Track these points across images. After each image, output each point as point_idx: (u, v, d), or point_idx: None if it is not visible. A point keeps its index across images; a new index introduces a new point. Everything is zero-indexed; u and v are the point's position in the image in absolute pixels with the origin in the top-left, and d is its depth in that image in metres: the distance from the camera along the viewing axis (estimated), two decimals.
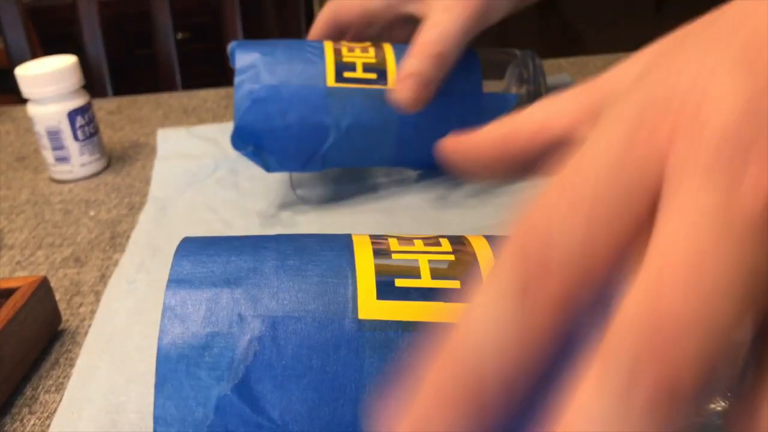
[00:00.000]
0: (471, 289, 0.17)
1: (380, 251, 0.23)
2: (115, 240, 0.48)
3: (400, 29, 0.54)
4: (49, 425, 0.32)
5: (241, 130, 0.44)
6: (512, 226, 0.17)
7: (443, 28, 0.45)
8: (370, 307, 0.22)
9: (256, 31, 1.17)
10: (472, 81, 0.47)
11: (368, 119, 0.45)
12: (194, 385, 0.21)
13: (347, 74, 0.45)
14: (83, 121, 0.58)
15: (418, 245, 0.24)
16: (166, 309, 0.22)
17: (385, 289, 0.22)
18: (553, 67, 0.72)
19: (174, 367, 0.21)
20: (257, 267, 0.23)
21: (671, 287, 0.14)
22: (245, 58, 0.45)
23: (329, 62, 0.45)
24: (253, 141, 0.44)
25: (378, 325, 0.21)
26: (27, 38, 1.02)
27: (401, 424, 0.16)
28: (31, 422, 0.33)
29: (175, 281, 0.22)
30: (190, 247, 0.24)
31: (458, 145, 0.25)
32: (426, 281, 0.23)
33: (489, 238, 0.25)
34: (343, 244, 0.24)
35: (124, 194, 0.55)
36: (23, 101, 0.59)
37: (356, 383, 0.21)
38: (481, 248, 0.24)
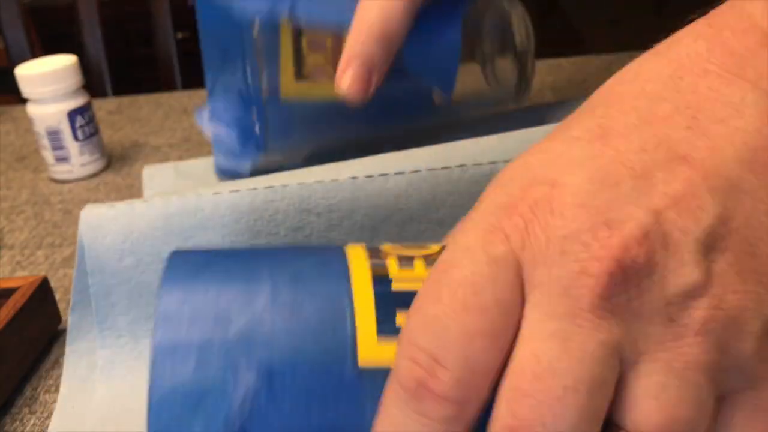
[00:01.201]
0: None
1: (380, 278, 0.22)
2: None
3: None
4: (49, 425, 0.32)
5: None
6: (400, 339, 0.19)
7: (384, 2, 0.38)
8: (371, 350, 0.20)
9: None
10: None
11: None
12: None
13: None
14: (83, 121, 0.58)
15: (418, 268, 0.22)
16: (154, 358, 0.20)
17: (387, 327, 0.21)
18: (553, 67, 0.72)
19: (166, 425, 0.20)
20: (250, 302, 0.21)
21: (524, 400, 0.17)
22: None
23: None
24: None
25: (380, 374, 0.20)
26: (27, 38, 1.02)
27: None
28: (31, 422, 0.33)
29: (164, 322, 0.21)
30: (177, 275, 0.22)
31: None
32: None
33: None
34: (339, 268, 0.22)
35: (124, 194, 0.55)
36: (23, 101, 0.59)
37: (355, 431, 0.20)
38: None
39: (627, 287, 0.18)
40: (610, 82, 0.22)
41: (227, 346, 0.20)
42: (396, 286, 0.21)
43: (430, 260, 0.22)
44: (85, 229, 0.34)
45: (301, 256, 0.23)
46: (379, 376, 0.20)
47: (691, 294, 0.18)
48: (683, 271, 0.18)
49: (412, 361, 0.18)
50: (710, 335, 0.18)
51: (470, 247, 0.19)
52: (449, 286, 0.19)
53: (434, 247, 0.23)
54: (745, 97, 0.19)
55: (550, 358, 0.17)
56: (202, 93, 0.75)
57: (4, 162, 0.65)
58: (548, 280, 0.18)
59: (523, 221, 0.19)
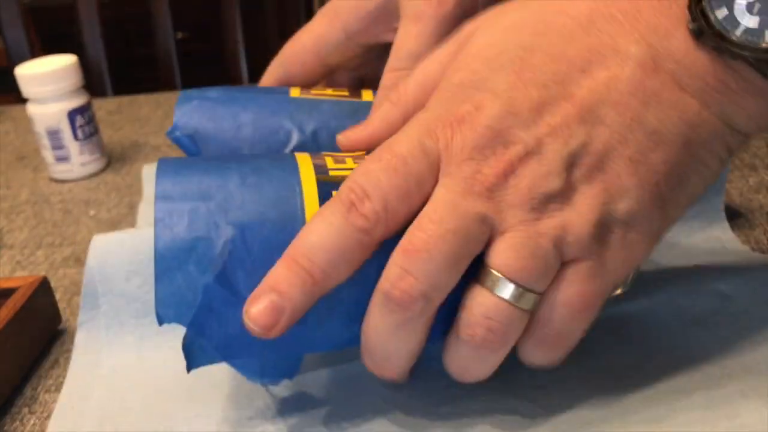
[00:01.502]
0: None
1: (320, 168, 0.30)
2: None
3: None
4: (48, 425, 0.32)
5: (180, 127, 0.38)
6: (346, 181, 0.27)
7: (410, 47, 0.37)
8: (315, 212, 0.28)
9: (256, 31, 1.17)
10: None
11: (339, 126, 0.37)
12: (185, 277, 0.27)
13: (315, 91, 0.39)
14: (83, 121, 0.58)
15: (349, 163, 0.30)
16: (157, 220, 0.27)
17: (326, 198, 0.28)
18: None
19: (168, 265, 0.27)
20: (224, 184, 0.29)
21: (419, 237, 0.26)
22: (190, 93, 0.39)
23: (294, 90, 0.40)
24: (194, 138, 0.38)
25: None
26: (27, 38, 1.02)
27: (259, 292, 0.26)
28: (31, 422, 0.33)
29: (161, 197, 0.28)
30: (168, 168, 0.29)
31: (356, 140, 0.33)
32: None
33: None
34: (290, 163, 0.30)
35: (124, 194, 0.55)
36: (23, 101, 0.59)
37: None
38: None
39: (506, 185, 0.26)
40: (544, 3, 0.28)
41: (210, 211, 0.28)
42: (332, 173, 0.29)
43: (357, 159, 0.31)
44: (94, 254, 0.37)
45: (260, 157, 0.31)
46: None
47: (551, 195, 0.26)
48: (549, 178, 0.26)
49: (350, 189, 0.27)
50: (558, 219, 0.26)
51: (410, 136, 0.27)
52: (389, 153, 0.27)
53: (361, 152, 0.32)
54: (629, 48, 0.26)
55: (441, 214, 0.26)
56: None
57: (4, 162, 0.64)
58: (456, 172, 0.26)
59: (451, 131, 0.27)
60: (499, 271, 0.26)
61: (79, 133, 0.57)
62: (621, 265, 0.27)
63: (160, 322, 0.27)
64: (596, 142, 0.26)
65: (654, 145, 0.26)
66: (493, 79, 0.27)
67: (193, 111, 0.38)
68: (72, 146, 0.57)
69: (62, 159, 0.58)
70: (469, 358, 0.27)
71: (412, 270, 0.26)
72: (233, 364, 0.29)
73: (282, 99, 0.39)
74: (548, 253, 0.26)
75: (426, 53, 0.34)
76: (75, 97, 0.57)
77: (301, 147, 0.37)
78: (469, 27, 0.31)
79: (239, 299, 0.27)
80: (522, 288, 0.26)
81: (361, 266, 0.27)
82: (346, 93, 0.40)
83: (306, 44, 0.42)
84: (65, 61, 0.57)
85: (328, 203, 0.27)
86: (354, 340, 0.30)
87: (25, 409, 0.34)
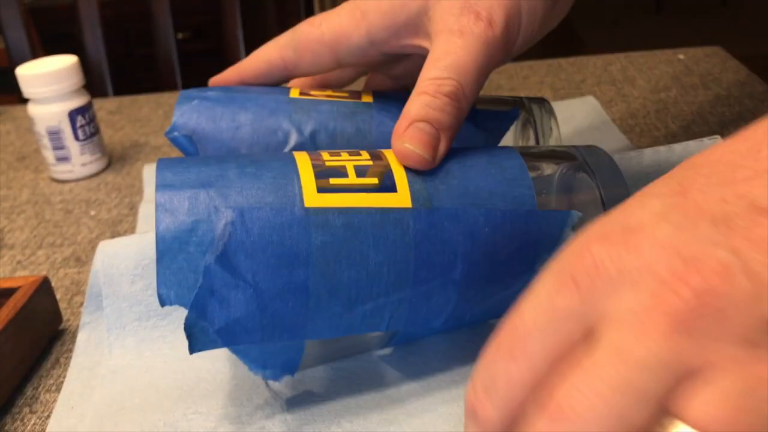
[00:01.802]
0: (385, 184, 0.29)
1: (317, 162, 0.30)
2: None
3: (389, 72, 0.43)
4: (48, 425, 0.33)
5: (179, 127, 0.37)
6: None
7: (455, 59, 0.34)
8: (313, 198, 0.29)
9: (256, 31, 1.17)
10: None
11: (338, 127, 0.37)
12: (186, 258, 0.28)
13: (315, 92, 0.39)
14: (84, 121, 0.58)
15: (344, 156, 0.31)
16: (158, 205, 0.28)
17: (323, 186, 0.29)
18: (553, 67, 0.72)
19: (169, 246, 0.27)
20: (223, 174, 0.29)
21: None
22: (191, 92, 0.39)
23: (294, 91, 0.39)
24: (191, 139, 0.37)
25: (320, 211, 0.28)
26: (27, 38, 1.02)
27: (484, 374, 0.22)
28: (32, 421, 0.33)
29: (162, 186, 0.28)
30: (169, 163, 0.30)
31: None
32: (352, 179, 0.29)
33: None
34: (288, 156, 0.31)
35: (125, 194, 0.56)
36: (24, 101, 0.59)
37: (305, 251, 0.28)
38: (393, 159, 0.31)
39: (703, 315, 0.18)
40: (689, 159, 0.22)
41: (210, 196, 0.28)
42: (328, 163, 0.30)
43: (352, 153, 0.31)
44: (101, 258, 0.37)
45: (257, 154, 0.31)
46: (320, 212, 0.28)
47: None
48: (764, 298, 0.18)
49: (473, 387, 0.22)
50: None
51: (538, 294, 0.21)
52: (507, 333, 0.21)
53: (364, 153, 0.32)
54: None
55: (605, 373, 0.19)
56: None
57: (4, 162, 0.65)
58: (617, 309, 0.19)
59: (593, 260, 0.20)
60: (697, 425, 0.18)
61: (80, 133, 0.58)
62: None
63: (162, 303, 0.28)
64: None
65: None
66: (649, 203, 0.20)
67: (191, 111, 0.37)
68: (73, 146, 0.58)
69: (63, 159, 0.58)
70: None
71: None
72: (235, 351, 0.29)
73: (281, 100, 0.38)
74: (764, 405, 0.18)
75: (470, 68, 0.33)
76: (76, 97, 0.57)
77: (299, 147, 0.37)
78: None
79: (240, 281, 0.28)
80: None
81: (362, 245, 0.28)
82: (346, 94, 0.40)
83: (324, 35, 0.39)
84: (66, 61, 0.57)
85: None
86: (354, 325, 0.30)
87: (26, 409, 0.34)
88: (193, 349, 0.28)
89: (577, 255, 0.20)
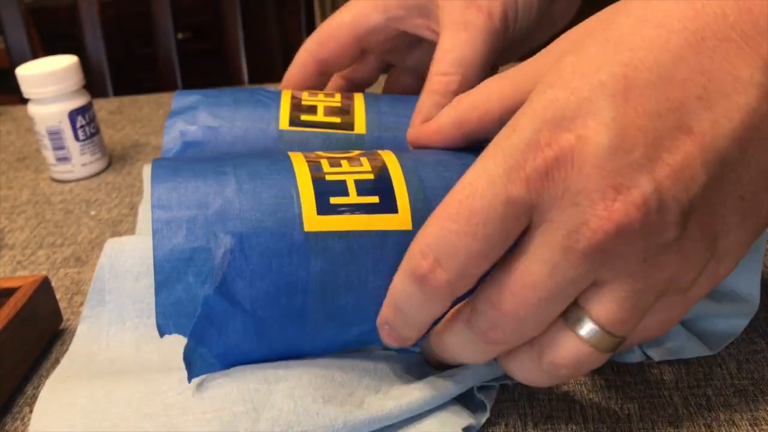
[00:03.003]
0: (386, 203, 0.28)
1: (317, 175, 0.29)
2: None
3: (402, 58, 0.46)
4: None
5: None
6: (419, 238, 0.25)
7: (461, 54, 0.37)
8: (313, 221, 0.28)
9: (256, 31, 1.17)
10: None
11: None
12: (185, 288, 0.27)
13: (305, 117, 0.38)
14: (84, 121, 0.58)
15: (345, 165, 0.30)
16: (155, 231, 0.27)
17: (323, 206, 0.28)
18: None
19: (168, 276, 0.27)
20: (221, 190, 0.28)
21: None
22: (183, 100, 0.39)
23: (284, 104, 0.38)
24: None
25: (320, 236, 0.28)
26: (28, 38, 1.02)
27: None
28: None
29: (158, 206, 0.28)
30: (163, 174, 0.29)
31: (422, 133, 0.32)
32: (353, 198, 0.29)
33: (397, 154, 0.31)
34: (286, 166, 0.30)
35: (125, 194, 0.56)
36: (24, 101, 0.59)
37: (305, 278, 0.28)
38: (392, 164, 0.30)
39: (617, 240, 0.23)
40: (640, 14, 0.24)
41: (209, 220, 0.27)
42: (329, 178, 0.29)
43: (353, 161, 0.30)
44: (107, 254, 0.37)
45: (255, 159, 0.30)
46: (320, 237, 0.28)
47: (665, 247, 0.23)
48: (668, 229, 0.23)
49: (422, 254, 0.25)
50: (667, 272, 0.24)
51: (494, 181, 0.24)
52: (468, 211, 0.24)
53: (356, 152, 0.31)
54: (754, 75, 0.22)
55: (536, 279, 0.24)
56: None
57: (5, 162, 0.65)
58: (557, 220, 0.23)
59: (545, 167, 0.23)
60: (597, 322, 0.24)
61: (80, 133, 0.58)
62: (702, 293, 0.26)
63: (161, 333, 0.27)
64: (715, 184, 0.23)
65: (765, 185, 0.24)
66: (596, 101, 0.23)
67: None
68: (73, 146, 0.58)
69: (63, 159, 0.58)
70: (539, 376, 0.26)
71: (500, 326, 0.25)
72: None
73: (269, 135, 0.37)
74: (649, 303, 0.25)
75: (475, 62, 0.37)
76: (76, 97, 0.57)
77: None
78: (557, 46, 0.28)
79: (238, 310, 0.27)
80: (615, 339, 0.25)
81: (360, 272, 0.28)
82: (337, 96, 0.39)
83: (344, 20, 0.42)
84: (66, 61, 0.57)
85: (401, 268, 0.26)
86: (351, 343, 0.30)
87: (26, 409, 0.34)
88: (191, 376, 0.28)
89: (532, 148, 0.23)
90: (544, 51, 0.28)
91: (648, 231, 0.23)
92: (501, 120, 0.27)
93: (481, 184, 0.24)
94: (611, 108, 0.22)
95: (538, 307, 0.24)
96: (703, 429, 0.29)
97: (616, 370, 0.32)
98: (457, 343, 0.27)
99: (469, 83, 0.36)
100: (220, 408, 0.28)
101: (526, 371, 0.26)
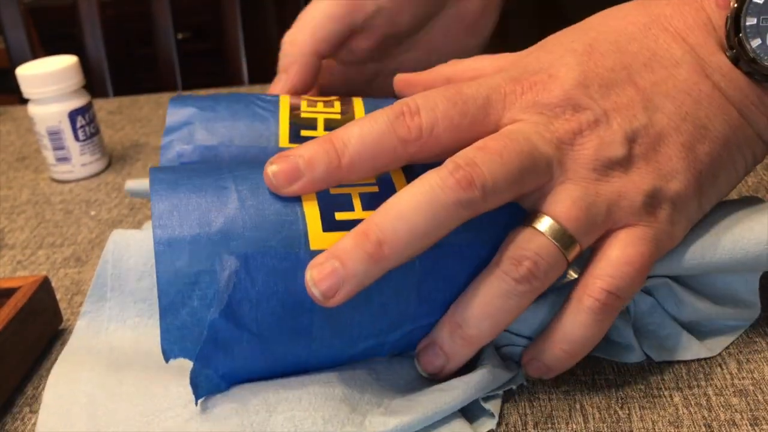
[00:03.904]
0: None
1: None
2: None
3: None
4: None
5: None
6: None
7: (296, 38, 0.47)
8: (318, 239, 0.28)
9: (256, 31, 1.17)
10: None
11: None
12: (190, 313, 0.27)
13: (305, 132, 0.37)
14: (84, 121, 0.58)
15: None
16: (157, 254, 0.27)
17: (328, 223, 0.28)
18: None
19: (172, 300, 0.27)
20: (223, 207, 0.28)
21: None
22: (178, 113, 0.38)
23: (283, 119, 0.38)
24: None
25: None
26: (28, 38, 1.02)
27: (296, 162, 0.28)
28: (32, 421, 0.33)
29: (159, 227, 0.27)
30: (163, 188, 0.28)
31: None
32: (358, 213, 0.29)
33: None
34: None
35: (125, 194, 0.56)
36: (24, 101, 0.59)
37: (311, 299, 0.26)
38: (396, 174, 0.30)
39: (574, 143, 0.29)
40: (609, 13, 0.33)
41: (212, 240, 0.27)
42: (333, 191, 0.29)
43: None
44: (112, 249, 0.37)
45: (256, 171, 0.29)
46: None
47: (613, 162, 0.29)
48: (613, 146, 0.29)
49: (406, 103, 0.29)
50: (616, 185, 0.29)
51: (480, 85, 0.30)
52: (455, 89, 0.30)
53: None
54: (684, 56, 0.30)
55: (516, 135, 0.28)
56: (202, 93, 0.76)
57: (4, 162, 0.65)
58: (527, 120, 0.29)
59: (522, 88, 0.30)
60: (553, 217, 0.28)
61: (80, 133, 0.58)
62: (667, 239, 0.30)
63: (166, 358, 0.27)
64: (655, 125, 0.30)
65: (702, 138, 0.30)
66: (567, 57, 0.31)
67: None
68: (73, 147, 0.58)
69: (63, 159, 0.58)
70: (506, 294, 0.28)
71: (479, 162, 0.27)
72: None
73: (269, 154, 0.34)
74: (600, 213, 0.29)
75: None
76: (76, 97, 0.57)
77: None
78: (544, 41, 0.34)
79: (244, 332, 0.27)
80: (570, 237, 0.28)
81: (366, 290, 0.27)
82: (336, 105, 0.39)
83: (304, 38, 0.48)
84: (66, 61, 0.57)
85: (382, 108, 0.29)
86: (356, 356, 0.30)
87: (26, 409, 0.34)
88: (198, 397, 0.28)
89: (513, 81, 0.30)
90: (523, 52, 0.34)
91: (597, 144, 0.29)
92: None
93: (469, 82, 0.30)
94: (578, 62, 0.30)
95: (518, 155, 0.28)
96: (703, 429, 0.29)
97: (616, 370, 0.32)
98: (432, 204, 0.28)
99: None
100: None
101: (495, 279, 0.28)
